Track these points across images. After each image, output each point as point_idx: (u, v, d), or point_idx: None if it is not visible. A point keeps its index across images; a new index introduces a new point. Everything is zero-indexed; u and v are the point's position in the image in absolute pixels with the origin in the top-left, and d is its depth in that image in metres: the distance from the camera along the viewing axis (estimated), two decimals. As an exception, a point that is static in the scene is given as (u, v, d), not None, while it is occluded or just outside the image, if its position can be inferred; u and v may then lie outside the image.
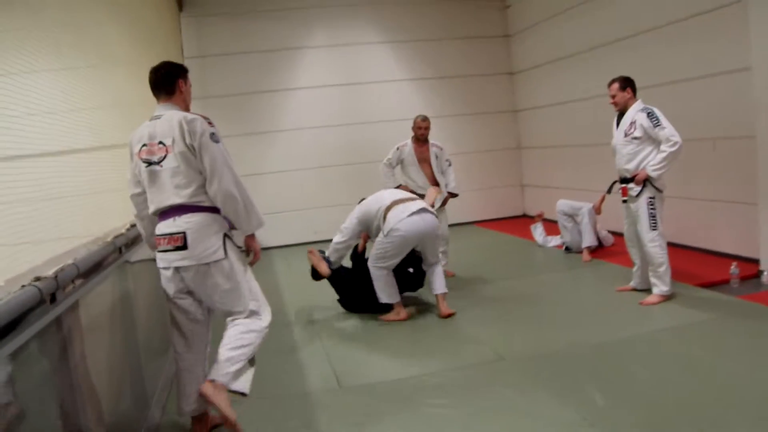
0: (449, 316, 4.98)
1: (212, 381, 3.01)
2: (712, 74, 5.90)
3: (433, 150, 6.28)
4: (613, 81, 4.86)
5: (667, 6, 6.41)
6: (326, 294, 5.61)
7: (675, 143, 4.52)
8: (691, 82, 6.17)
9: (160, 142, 3.08)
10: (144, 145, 3.11)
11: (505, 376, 3.71)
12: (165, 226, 3.10)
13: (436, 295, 5.10)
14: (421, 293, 5.63)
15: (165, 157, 3.07)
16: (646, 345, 4.00)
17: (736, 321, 4.30)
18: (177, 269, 3.10)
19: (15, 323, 2.02)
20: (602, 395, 3.29)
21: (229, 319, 3.22)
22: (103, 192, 3.92)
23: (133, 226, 3.76)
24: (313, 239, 9.37)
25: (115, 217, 3.86)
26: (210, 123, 3.11)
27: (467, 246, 8.18)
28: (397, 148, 6.32)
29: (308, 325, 5.16)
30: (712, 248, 6.26)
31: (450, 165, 6.36)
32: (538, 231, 7.59)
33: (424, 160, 6.26)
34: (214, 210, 3.13)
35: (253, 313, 3.21)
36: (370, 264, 5.08)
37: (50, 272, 2.31)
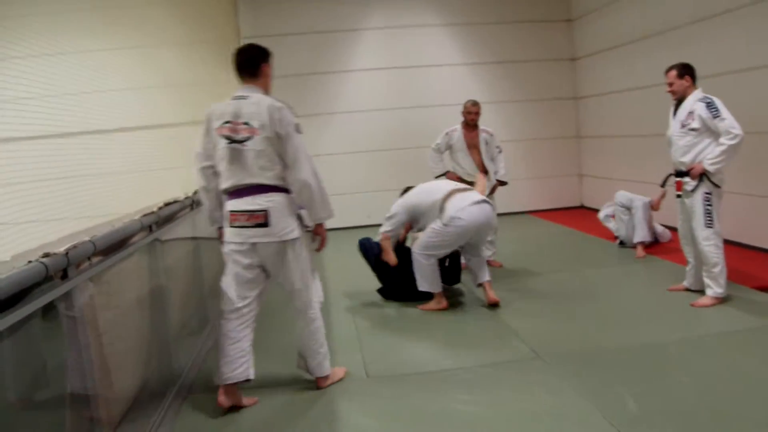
0: (496, 303, 4.86)
1: (319, 379, 3.53)
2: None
3: (482, 136, 6.10)
4: (670, 68, 4.57)
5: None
6: (369, 280, 5.54)
7: (735, 136, 4.21)
8: (761, 70, 5.77)
9: (246, 123, 3.19)
10: (227, 122, 3.23)
11: (539, 375, 3.54)
12: (244, 203, 3.23)
13: (483, 284, 4.96)
14: (462, 284, 5.48)
15: (250, 138, 3.18)
16: (693, 350, 3.75)
17: (795, 329, 4.01)
18: (254, 244, 3.25)
19: (20, 297, 2.02)
20: (637, 401, 3.09)
21: (299, 306, 3.45)
22: (149, 171, 3.97)
23: (167, 204, 3.78)
24: (366, 223, 9.33)
25: (155, 195, 3.90)
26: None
27: (519, 236, 7.96)
28: (446, 134, 6.17)
29: (345, 311, 5.10)
30: (775, 249, 5.89)
31: (500, 152, 6.16)
32: (607, 210, 7.16)
33: (473, 146, 6.08)
34: (289, 191, 3.31)
35: (313, 292, 3.46)
36: (417, 251, 4.93)
37: (62, 249, 2.30)
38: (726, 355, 3.64)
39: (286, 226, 3.24)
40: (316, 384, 3.53)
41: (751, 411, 2.94)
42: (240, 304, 3.33)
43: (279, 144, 3.20)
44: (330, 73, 9.48)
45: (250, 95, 3.27)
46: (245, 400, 3.37)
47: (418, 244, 4.96)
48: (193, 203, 4.51)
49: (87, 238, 2.52)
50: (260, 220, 3.20)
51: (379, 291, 5.44)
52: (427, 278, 4.93)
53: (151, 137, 4.65)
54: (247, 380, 3.35)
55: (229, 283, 3.34)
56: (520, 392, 3.34)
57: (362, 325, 4.71)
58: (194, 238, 4.69)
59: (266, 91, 3.37)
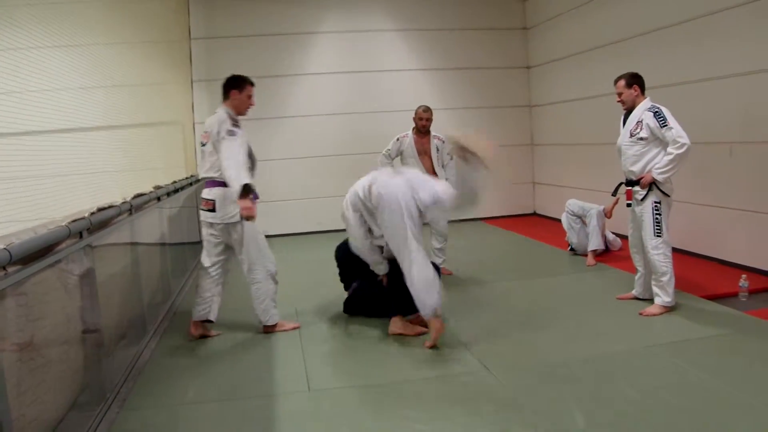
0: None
1: (264, 324, 4.56)
2: (733, 75, 5.59)
3: (434, 142, 6.02)
4: (619, 78, 4.59)
5: (688, 1, 6.10)
6: (319, 289, 5.42)
7: (682, 145, 4.23)
8: (710, 81, 5.86)
9: (206, 131, 4.34)
10: (206, 131, 4.36)
11: (485, 389, 3.45)
12: (204, 193, 4.39)
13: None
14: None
15: (206, 142, 4.33)
16: (641, 361, 3.72)
17: (742, 339, 4.01)
18: (210, 223, 4.37)
19: None
20: (585, 416, 3.02)
21: (245, 270, 4.46)
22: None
23: (100, 210, 3.58)
24: (316, 230, 9.20)
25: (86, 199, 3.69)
26: (234, 124, 4.23)
27: (470, 244, 7.91)
28: (397, 139, 6.08)
29: (291, 320, 4.90)
30: (721, 257, 5.97)
31: (451, 159, 6.08)
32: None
33: (424, 153, 6.01)
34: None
35: (254, 262, 4.40)
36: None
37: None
38: (674, 366, 3.61)
39: (227, 213, 4.27)
40: (266, 331, 4.58)
41: (699, 424, 2.90)
42: (208, 264, 4.49)
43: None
44: (282, 77, 9.32)
45: (216, 112, 4.34)
46: (212, 333, 4.58)
47: None
48: (131, 208, 4.31)
49: (2, 246, 2.33)
50: (210, 206, 4.32)
51: (345, 306, 5.04)
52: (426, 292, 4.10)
53: (98, 139, 4.44)
54: (209, 321, 4.52)
55: (204, 247, 4.50)
56: (466, 406, 3.23)
57: (308, 336, 4.54)
58: (132, 245, 4.49)
59: (234, 110, 4.37)
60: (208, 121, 4.37)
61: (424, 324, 4.28)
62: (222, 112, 4.28)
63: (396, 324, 4.44)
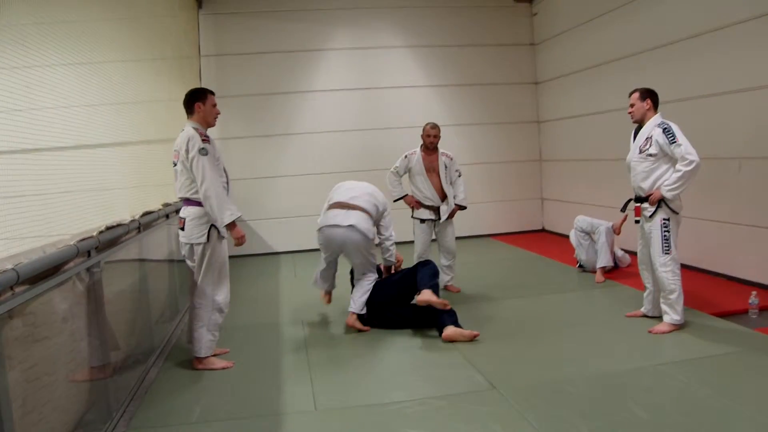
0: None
1: (197, 358, 4.26)
2: (742, 90, 5.57)
3: (442, 159, 6.02)
4: (634, 91, 4.60)
5: (696, 16, 6.10)
6: (326, 306, 5.42)
7: (691, 162, 4.22)
8: (719, 96, 5.85)
9: (175, 150, 4.19)
10: (174, 150, 4.20)
11: (493, 408, 3.42)
12: (180, 212, 4.28)
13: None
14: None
15: (176, 162, 4.18)
16: (650, 379, 3.69)
17: (752, 357, 3.96)
18: (182, 242, 4.29)
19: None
20: (592, 435, 3.01)
21: (193, 294, 4.31)
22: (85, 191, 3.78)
23: (108, 228, 3.60)
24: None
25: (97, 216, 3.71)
26: (205, 139, 4.11)
27: (479, 260, 7.90)
28: (405, 156, 6.09)
29: (298, 338, 4.92)
30: (731, 274, 5.93)
31: (460, 176, 6.09)
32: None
33: (432, 170, 6.01)
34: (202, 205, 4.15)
35: (203, 288, 4.22)
36: None
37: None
38: (683, 385, 3.57)
39: (194, 233, 4.17)
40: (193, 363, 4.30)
41: (708, 445, 2.87)
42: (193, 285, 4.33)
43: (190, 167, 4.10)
44: (291, 93, 9.38)
45: (184, 129, 4.21)
46: (218, 351, 4.44)
47: None
48: (140, 226, 4.33)
49: (10, 266, 2.34)
50: (181, 225, 4.23)
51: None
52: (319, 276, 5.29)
53: (107, 156, 4.48)
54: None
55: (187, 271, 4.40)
56: (474, 426, 3.21)
57: (315, 353, 4.53)
58: (140, 262, 4.50)
59: (204, 123, 4.28)
60: (177, 140, 4.21)
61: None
62: (189, 129, 4.15)
63: (450, 331, 4.63)
